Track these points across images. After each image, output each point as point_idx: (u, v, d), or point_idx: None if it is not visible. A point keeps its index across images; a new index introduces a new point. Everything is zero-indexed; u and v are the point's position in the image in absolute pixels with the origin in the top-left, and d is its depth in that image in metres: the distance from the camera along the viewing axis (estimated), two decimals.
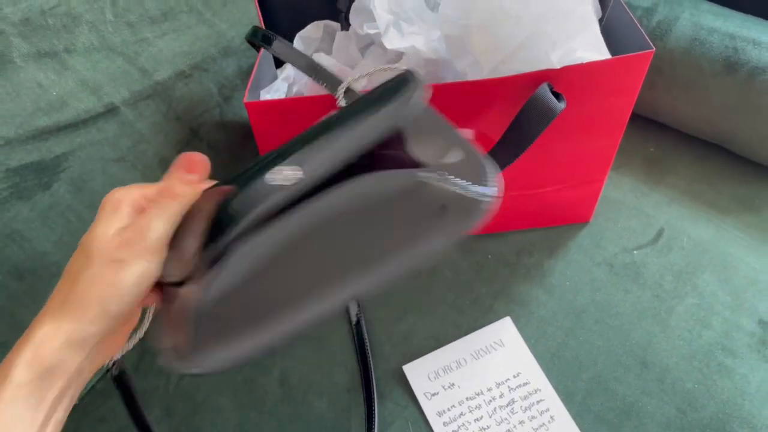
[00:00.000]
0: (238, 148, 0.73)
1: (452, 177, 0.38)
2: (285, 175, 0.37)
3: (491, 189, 0.38)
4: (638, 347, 0.62)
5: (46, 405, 0.34)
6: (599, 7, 0.61)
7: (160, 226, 0.37)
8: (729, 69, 0.70)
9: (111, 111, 0.57)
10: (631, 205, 0.74)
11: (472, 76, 0.54)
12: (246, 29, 0.68)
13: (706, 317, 0.64)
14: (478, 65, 0.54)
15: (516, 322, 0.65)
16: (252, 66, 0.71)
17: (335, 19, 0.67)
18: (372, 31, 0.60)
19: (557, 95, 0.52)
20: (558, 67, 0.51)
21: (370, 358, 0.62)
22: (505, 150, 0.53)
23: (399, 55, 0.60)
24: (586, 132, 0.60)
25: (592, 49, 0.53)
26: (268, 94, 0.60)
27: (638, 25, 0.56)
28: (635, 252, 0.70)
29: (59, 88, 0.53)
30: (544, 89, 0.50)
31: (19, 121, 0.52)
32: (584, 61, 0.52)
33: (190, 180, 0.39)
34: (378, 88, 0.42)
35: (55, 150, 0.54)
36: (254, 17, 0.69)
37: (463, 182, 0.38)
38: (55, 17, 0.52)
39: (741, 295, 0.66)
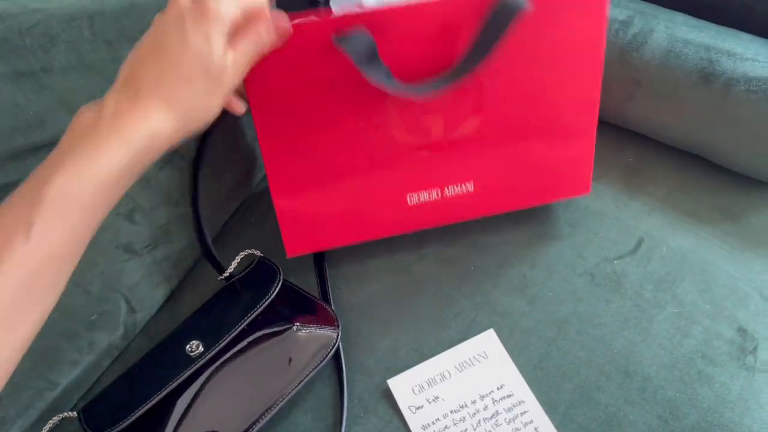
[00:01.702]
0: (221, 162, 0.73)
1: (309, 326, 0.62)
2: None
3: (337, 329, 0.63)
4: (620, 357, 0.63)
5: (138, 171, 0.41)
6: None
7: (246, 66, 0.45)
8: (704, 80, 0.71)
9: None
10: (612, 215, 0.75)
11: None
12: None
13: (687, 326, 0.65)
14: None
15: (499, 333, 0.65)
16: None
17: None
18: None
19: None
20: None
21: (345, 377, 0.63)
22: (476, 54, 0.56)
23: None
24: (561, 64, 0.62)
25: None
26: None
27: None
28: (616, 262, 0.70)
29: (37, 108, 0.53)
30: None
31: None
32: None
33: (272, 38, 0.46)
34: (250, 278, 0.65)
35: (34, 169, 0.54)
36: None
37: (316, 327, 0.62)
38: (32, 37, 0.52)
39: (720, 304, 0.66)
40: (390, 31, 0.55)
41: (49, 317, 0.57)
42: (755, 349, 0.63)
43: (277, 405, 0.58)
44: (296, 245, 0.69)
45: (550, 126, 0.67)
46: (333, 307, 0.67)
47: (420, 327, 0.67)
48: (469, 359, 0.64)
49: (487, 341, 0.65)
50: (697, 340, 0.64)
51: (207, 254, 0.67)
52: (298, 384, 0.59)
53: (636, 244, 0.72)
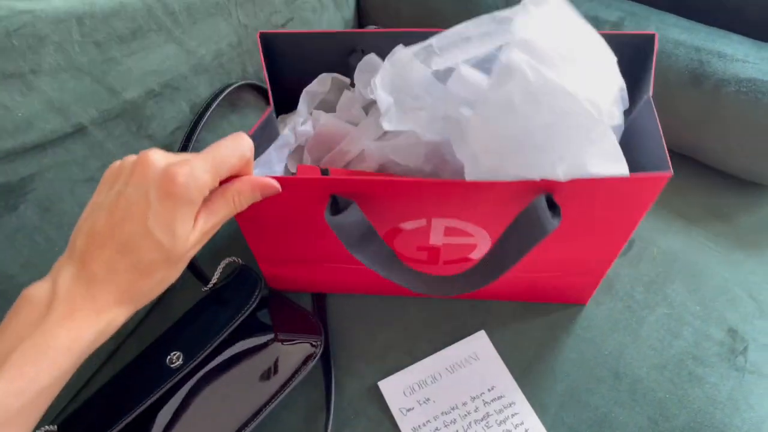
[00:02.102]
0: None
1: (292, 336, 0.61)
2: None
3: (320, 338, 0.61)
4: (611, 358, 0.63)
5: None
6: (626, 98, 0.53)
7: (211, 233, 0.42)
8: (695, 81, 0.72)
9: (79, 131, 0.57)
10: None
11: (469, 168, 0.48)
12: (216, 47, 0.69)
13: (677, 327, 0.65)
14: (478, 160, 0.48)
15: (490, 335, 0.65)
16: (223, 83, 0.71)
17: (345, 73, 0.65)
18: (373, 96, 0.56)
19: (554, 207, 0.46)
20: (564, 180, 0.45)
21: (333, 380, 0.63)
22: (497, 261, 0.49)
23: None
24: (586, 239, 0.55)
25: (606, 160, 0.45)
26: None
27: (661, 138, 0.49)
28: None
29: (25, 109, 0.53)
30: (540, 203, 0.45)
31: None
32: (593, 176, 0.45)
33: (255, 198, 0.44)
34: (232, 287, 0.64)
35: (21, 172, 0.53)
36: (225, 35, 0.69)
37: (299, 337, 0.61)
38: (20, 38, 0.52)
39: (710, 305, 0.67)
40: (397, 200, 0.51)
41: None
42: (745, 350, 0.63)
43: (260, 416, 0.57)
44: (279, 287, 0.70)
45: (561, 269, 0.61)
46: (325, 312, 0.67)
47: (411, 329, 0.67)
48: (460, 361, 0.64)
49: (478, 343, 0.65)
50: (687, 342, 0.64)
51: (190, 267, 0.67)
52: (281, 394, 0.58)
53: (627, 246, 0.72)
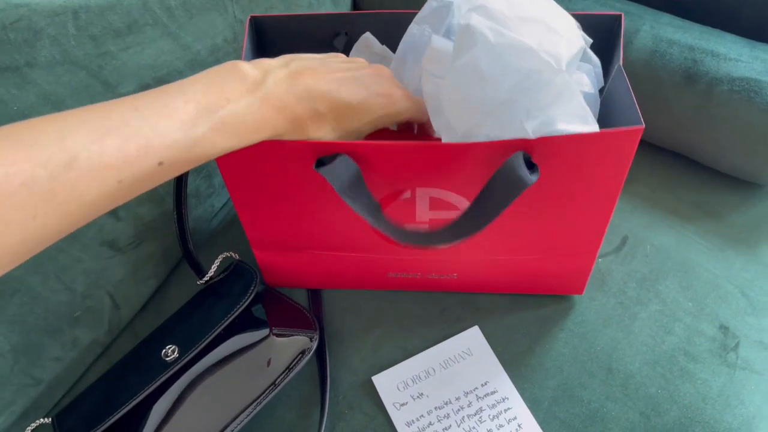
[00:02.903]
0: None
1: (287, 330, 0.61)
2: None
3: (315, 333, 0.62)
4: (603, 354, 0.63)
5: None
6: (600, 75, 0.58)
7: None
8: (688, 80, 0.72)
9: None
10: None
11: (445, 136, 0.50)
12: (212, 42, 0.69)
13: (669, 323, 0.65)
14: (452, 127, 0.49)
15: (483, 331, 0.66)
16: None
17: None
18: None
19: (532, 166, 0.47)
20: (533, 137, 0.46)
21: (328, 374, 0.63)
22: (472, 219, 0.50)
23: None
24: (569, 205, 0.55)
25: (576, 120, 0.47)
26: None
27: (632, 97, 0.50)
28: (600, 260, 0.71)
29: (20, 103, 0.53)
30: (517, 159, 0.46)
31: None
32: (563, 133, 0.46)
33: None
34: (227, 281, 0.66)
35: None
36: (221, 30, 0.69)
37: (294, 332, 0.61)
38: (16, 32, 0.52)
39: (702, 301, 0.67)
40: (377, 165, 0.51)
41: (32, 313, 0.57)
42: (736, 346, 0.64)
43: (253, 410, 0.57)
44: (274, 281, 0.70)
45: (544, 247, 0.62)
46: (320, 308, 0.68)
47: (404, 324, 0.67)
48: (454, 356, 0.64)
49: (472, 338, 0.65)
50: (679, 338, 0.64)
51: (188, 258, 0.67)
52: (275, 389, 0.58)
53: (620, 243, 0.73)
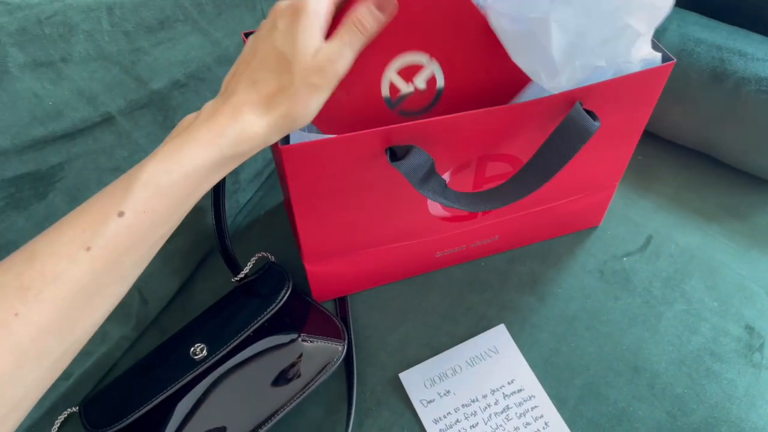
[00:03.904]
0: None
1: (316, 338, 0.61)
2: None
3: (343, 342, 0.62)
4: (629, 353, 0.64)
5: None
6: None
7: (349, 57, 0.43)
8: (716, 79, 0.72)
9: (107, 120, 0.57)
10: (620, 213, 0.76)
11: (546, 78, 0.48)
12: (240, 38, 0.69)
13: (695, 323, 0.66)
14: (552, 63, 0.47)
15: (509, 329, 0.66)
16: None
17: None
18: None
19: (591, 114, 0.50)
20: (637, 65, 0.50)
21: (355, 372, 0.63)
22: (537, 173, 0.52)
23: None
24: (604, 144, 0.59)
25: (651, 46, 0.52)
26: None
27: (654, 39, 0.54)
28: (625, 259, 0.71)
29: (55, 98, 0.53)
30: (578, 109, 0.49)
31: (15, 131, 0.51)
32: (650, 58, 0.51)
33: (378, 18, 0.44)
34: (260, 282, 0.65)
35: (51, 160, 0.54)
36: (249, 26, 0.69)
37: (323, 340, 0.61)
38: (51, 27, 0.52)
39: (728, 301, 0.67)
40: (444, 141, 0.52)
41: None
42: (762, 346, 0.64)
43: (277, 416, 0.57)
44: (323, 295, 0.70)
45: (579, 188, 0.67)
46: (347, 314, 0.68)
47: (431, 321, 0.67)
48: (480, 354, 0.64)
49: (498, 336, 0.66)
50: (705, 338, 0.65)
51: (225, 254, 0.67)
52: (300, 396, 0.58)
53: (645, 242, 0.73)
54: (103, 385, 0.62)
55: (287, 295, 0.61)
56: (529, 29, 0.46)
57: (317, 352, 0.60)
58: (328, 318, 0.64)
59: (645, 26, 0.46)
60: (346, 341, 0.62)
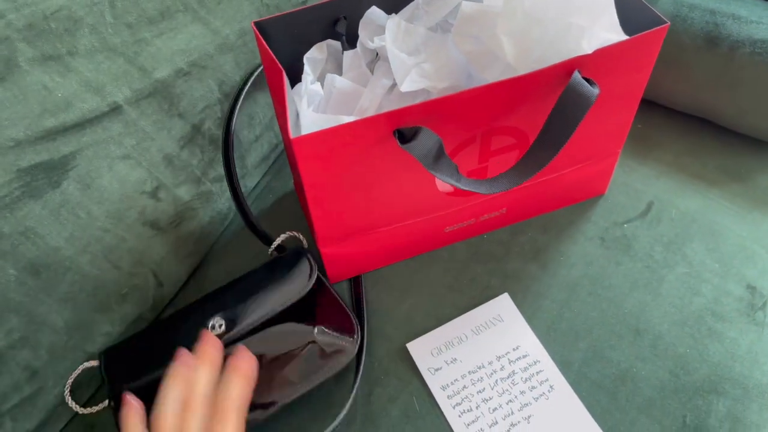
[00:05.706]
0: (239, 142, 0.75)
1: (331, 331, 0.62)
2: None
3: (357, 341, 0.62)
4: (631, 316, 0.65)
5: None
6: None
7: None
8: (710, 44, 0.73)
9: (115, 110, 0.59)
10: (620, 181, 0.76)
11: (515, 63, 0.55)
12: (240, 26, 0.71)
13: (696, 285, 0.66)
14: (512, 70, 0.54)
15: (513, 297, 0.67)
16: (248, 61, 0.74)
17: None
18: (383, 43, 0.61)
19: (589, 81, 0.52)
20: (589, 52, 0.52)
21: (364, 343, 0.65)
22: (546, 146, 0.54)
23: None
24: (605, 111, 0.60)
25: (612, 30, 0.54)
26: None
27: (644, 1, 0.56)
28: (625, 225, 0.72)
29: (64, 90, 0.55)
30: (577, 77, 0.51)
31: (27, 123, 0.53)
32: (609, 44, 0.53)
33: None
34: (286, 266, 0.65)
35: (63, 149, 0.56)
36: (248, 14, 0.71)
37: (337, 334, 0.62)
38: (57, 21, 0.54)
39: (729, 262, 0.68)
40: (449, 119, 0.54)
41: (83, 291, 0.60)
42: (764, 305, 0.65)
43: (284, 402, 0.58)
44: (338, 276, 0.72)
45: (583, 157, 0.69)
46: (362, 298, 0.69)
47: (436, 293, 0.69)
48: (485, 322, 0.66)
49: (502, 305, 0.67)
50: (706, 298, 0.65)
51: (250, 226, 0.70)
52: (308, 386, 0.59)
53: (646, 208, 0.73)
54: (124, 338, 0.65)
55: (312, 282, 0.63)
56: (487, 46, 0.54)
57: (331, 345, 0.61)
58: (347, 313, 0.65)
59: (588, 20, 0.51)
60: (359, 338, 0.63)
